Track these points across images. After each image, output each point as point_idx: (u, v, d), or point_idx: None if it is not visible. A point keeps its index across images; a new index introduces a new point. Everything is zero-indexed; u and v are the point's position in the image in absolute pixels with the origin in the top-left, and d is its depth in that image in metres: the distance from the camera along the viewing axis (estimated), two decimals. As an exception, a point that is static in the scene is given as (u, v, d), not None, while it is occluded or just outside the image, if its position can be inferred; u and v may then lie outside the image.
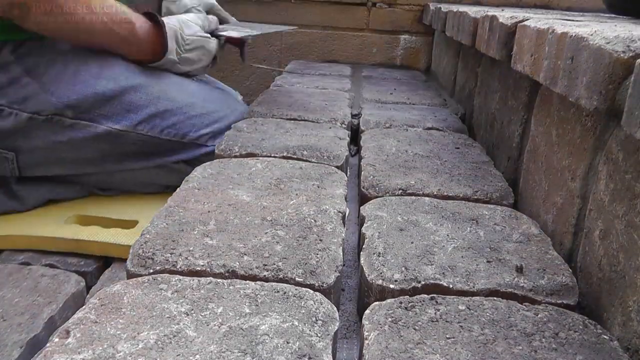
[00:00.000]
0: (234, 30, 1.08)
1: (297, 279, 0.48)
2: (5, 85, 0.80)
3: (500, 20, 0.78)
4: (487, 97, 0.98)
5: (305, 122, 0.97)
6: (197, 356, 0.37)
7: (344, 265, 0.56)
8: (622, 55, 0.43)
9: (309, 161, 0.77)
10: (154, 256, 0.50)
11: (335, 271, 0.49)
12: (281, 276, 0.48)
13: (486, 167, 0.78)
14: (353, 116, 1.09)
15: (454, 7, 1.29)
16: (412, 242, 0.55)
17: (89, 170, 0.88)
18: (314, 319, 0.42)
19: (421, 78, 1.60)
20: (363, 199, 0.69)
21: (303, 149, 0.80)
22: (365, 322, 0.42)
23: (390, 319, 0.42)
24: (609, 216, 0.48)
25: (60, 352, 0.37)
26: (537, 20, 0.68)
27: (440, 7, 1.43)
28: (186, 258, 0.49)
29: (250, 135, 0.86)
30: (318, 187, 0.67)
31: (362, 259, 0.52)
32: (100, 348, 0.38)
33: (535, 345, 0.40)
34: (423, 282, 0.48)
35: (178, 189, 0.65)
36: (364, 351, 0.40)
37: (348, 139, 0.89)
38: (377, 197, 0.67)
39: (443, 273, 0.49)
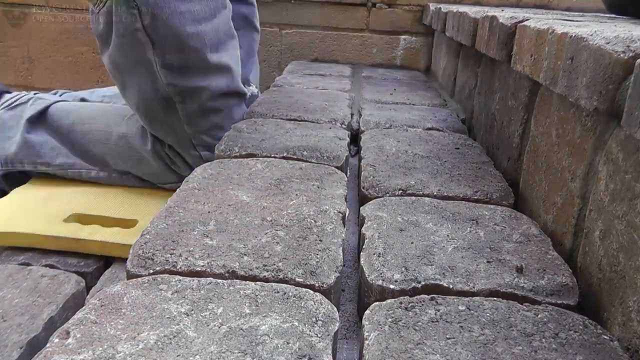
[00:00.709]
0: None
1: (297, 279, 0.48)
2: None
3: (500, 20, 0.78)
4: (487, 97, 0.98)
5: (305, 123, 0.97)
6: (197, 356, 0.37)
7: (344, 265, 0.56)
8: (622, 55, 0.43)
9: (309, 161, 0.77)
10: (154, 257, 0.49)
11: (335, 271, 0.49)
12: (281, 276, 0.48)
13: (486, 168, 0.78)
14: (353, 116, 1.09)
15: (454, 8, 1.29)
16: (412, 243, 0.54)
17: None
18: (314, 319, 0.42)
19: (421, 78, 1.60)
20: (363, 199, 0.69)
21: (303, 150, 0.80)
22: (365, 322, 0.42)
23: (390, 320, 0.42)
24: (609, 216, 0.48)
25: (60, 353, 0.37)
26: (537, 20, 0.68)
27: (440, 8, 1.43)
28: (186, 258, 0.49)
29: (250, 136, 0.86)
30: (318, 187, 0.67)
31: (362, 259, 0.52)
32: (100, 348, 0.38)
33: (536, 345, 0.40)
34: (423, 283, 0.48)
35: (178, 189, 0.65)
36: (364, 351, 0.40)
37: (348, 139, 0.89)
38: (377, 197, 0.67)
39: (443, 273, 0.49)
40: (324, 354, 0.38)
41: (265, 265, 0.49)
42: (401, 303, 0.44)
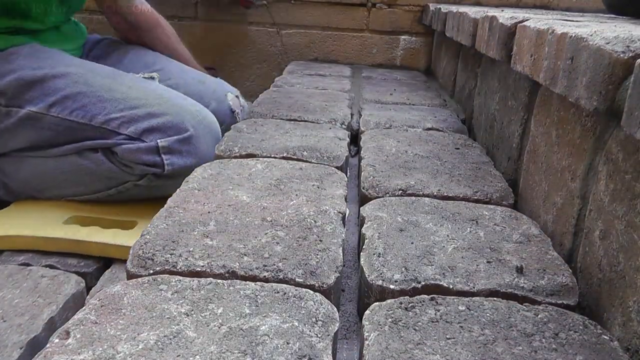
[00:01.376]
0: None
1: (297, 279, 0.48)
2: None
3: (500, 20, 0.78)
4: (487, 97, 0.98)
5: (305, 123, 0.97)
6: (197, 357, 0.37)
7: (344, 265, 0.56)
8: (621, 55, 0.43)
9: (309, 162, 0.77)
10: (154, 257, 0.49)
11: (335, 272, 0.49)
12: (281, 277, 0.48)
13: (486, 168, 0.78)
14: (353, 116, 1.09)
15: (454, 8, 1.30)
16: (412, 243, 0.54)
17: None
18: (314, 319, 0.42)
19: (421, 78, 1.60)
20: (363, 199, 0.69)
21: (303, 150, 0.80)
22: (365, 322, 0.42)
23: (390, 320, 0.42)
24: (609, 216, 0.48)
25: (60, 353, 0.37)
26: (536, 20, 0.68)
27: (440, 8, 1.43)
28: (186, 259, 0.49)
29: (250, 136, 0.86)
30: (318, 187, 0.67)
31: (362, 259, 0.52)
32: (100, 349, 0.38)
33: (536, 345, 0.40)
34: (423, 283, 0.48)
35: (178, 189, 0.65)
36: (364, 351, 0.40)
37: (348, 139, 0.89)
38: (377, 197, 0.67)
39: (443, 273, 0.49)
40: (324, 354, 0.38)
41: (265, 266, 0.49)
42: (401, 303, 0.44)
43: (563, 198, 0.59)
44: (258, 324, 0.41)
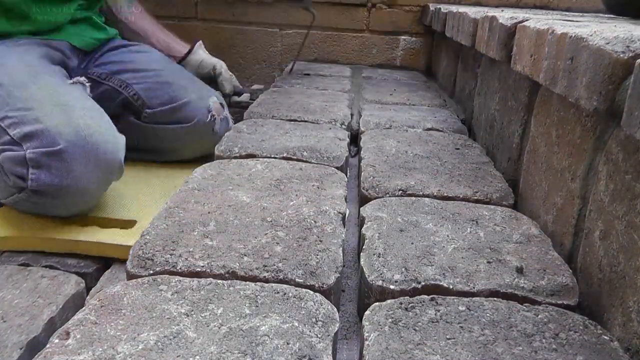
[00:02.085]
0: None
1: (297, 279, 0.48)
2: None
3: (500, 20, 0.78)
4: (487, 97, 0.98)
5: (305, 123, 0.97)
6: (197, 357, 0.37)
7: (344, 266, 0.56)
8: (621, 55, 0.43)
9: (309, 162, 0.77)
10: (154, 257, 0.49)
11: (335, 272, 0.49)
12: (281, 277, 0.48)
13: (486, 168, 0.78)
14: (352, 117, 1.09)
15: (454, 8, 1.30)
16: (412, 243, 0.54)
17: None
18: (314, 319, 0.42)
19: (421, 79, 1.60)
20: (363, 199, 0.69)
21: (303, 150, 0.80)
22: (365, 322, 0.42)
23: (390, 320, 0.42)
24: (609, 217, 0.48)
25: (60, 353, 0.37)
26: (536, 20, 0.68)
27: (440, 8, 1.43)
28: (186, 259, 0.49)
29: (250, 137, 0.86)
30: (318, 188, 0.67)
31: (362, 259, 0.52)
32: (100, 349, 0.38)
33: (536, 345, 0.40)
34: (423, 283, 0.48)
35: (178, 189, 0.65)
36: (364, 352, 0.40)
37: (348, 139, 0.89)
38: (377, 198, 0.67)
39: (443, 274, 0.49)
40: (324, 354, 0.38)
41: (265, 266, 0.49)
42: (401, 303, 0.44)
43: (563, 198, 0.59)
44: (258, 324, 0.41)
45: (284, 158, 0.78)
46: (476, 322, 0.42)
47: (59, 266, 0.73)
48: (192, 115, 0.94)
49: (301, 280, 0.47)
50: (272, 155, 0.78)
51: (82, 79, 0.92)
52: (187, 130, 0.96)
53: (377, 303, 0.45)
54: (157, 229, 0.54)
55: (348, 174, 0.82)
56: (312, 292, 0.45)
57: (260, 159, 0.76)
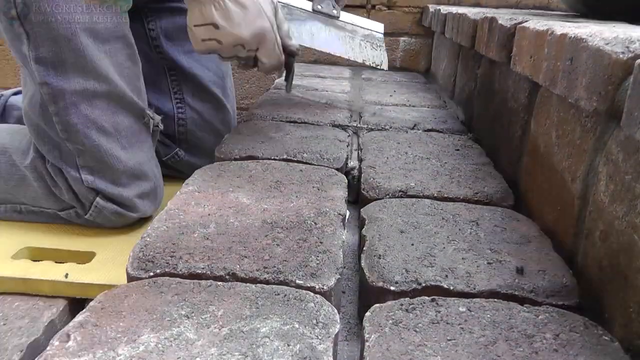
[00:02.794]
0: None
1: (297, 281, 0.48)
2: None
3: (500, 21, 0.78)
4: (487, 98, 0.98)
5: (306, 125, 0.97)
6: (198, 359, 0.37)
7: (344, 267, 0.56)
8: (621, 56, 0.43)
9: (309, 163, 0.77)
10: (154, 259, 0.49)
11: (336, 273, 0.49)
12: (282, 279, 0.48)
13: (486, 169, 0.78)
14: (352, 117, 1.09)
15: (454, 9, 1.30)
16: (412, 244, 0.54)
17: None
18: (314, 321, 0.42)
19: (421, 80, 1.60)
20: (363, 200, 0.69)
21: (303, 152, 0.80)
22: (366, 324, 0.42)
23: (391, 321, 0.42)
24: (609, 217, 0.48)
25: (61, 356, 0.37)
26: (536, 21, 0.68)
27: (439, 9, 1.43)
28: (186, 261, 0.49)
29: (250, 138, 0.86)
30: (318, 189, 0.67)
31: (362, 261, 0.52)
32: (101, 351, 0.38)
33: (536, 346, 0.40)
34: (424, 284, 0.48)
35: (178, 192, 0.65)
36: (364, 353, 0.40)
37: (348, 141, 0.89)
38: (377, 199, 0.67)
39: (444, 275, 0.49)
40: (325, 356, 0.38)
41: (266, 268, 0.49)
42: (402, 305, 0.44)
43: (563, 199, 0.59)
44: (258, 325, 0.41)
45: (284, 160, 0.78)
46: (477, 323, 0.42)
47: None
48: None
49: (302, 282, 0.47)
50: (272, 157, 0.78)
51: (158, 118, 0.86)
52: None
53: (377, 304, 0.45)
54: (157, 230, 0.54)
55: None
56: (312, 294, 0.45)
57: (261, 161, 0.76)
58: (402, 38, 1.78)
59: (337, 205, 0.63)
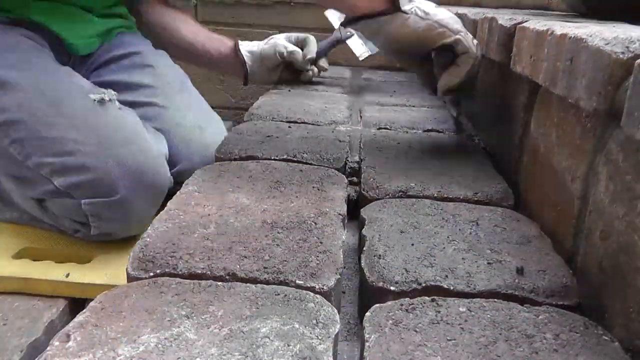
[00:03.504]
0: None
1: (297, 281, 0.48)
2: None
3: (500, 22, 0.78)
4: (487, 99, 0.98)
5: (306, 125, 0.97)
6: (198, 359, 0.37)
7: (344, 267, 0.56)
8: (621, 56, 0.43)
9: (309, 164, 0.77)
10: (154, 259, 0.49)
11: (336, 273, 0.49)
12: (282, 279, 0.48)
13: (486, 169, 0.78)
14: (352, 117, 1.09)
15: (453, 9, 1.30)
16: (412, 244, 0.54)
17: None
18: (314, 321, 0.42)
19: (421, 80, 1.60)
20: (363, 201, 0.69)
21: (303, 152, 0.80)
22: (365, 324, 0.42)
23: (391, 321, 0.42)
24: (609, 217, 0.48)
25: (61, 356, 0.37)
26: (536, 21, 0.68)
27: (439, 9, 1.43)
28: (187, 261, 0.49)
29: (250, 138, 0.86)
30: (318, 189, 0.67)
31: (362, 261, 0.52)
32: (101, 351, 0.38)
33: (536, 346, 0.40)
34: (424, 284, 0.48)
35: (178, 192, 0.65)
36: (364, 353, 0.40)
37: (348, 141, 0.89)
38: (377, 199, 0.67)
39: (444, 275, 0.49)
40: (325, 356, 0.38)
41: (266, 268, 0.49)
42: (402, 305, 0.44)
43: (563, 199, 0.59)
44: (258, 326, 0.41)
45: (284, 160, 0.78)
46: (477, 323, 0.42)
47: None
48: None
49: (302, 282, 0.47)
50: (272, 157, 0.78)
51: (111, 92, 0.82)
52: None
53: (377, 304, 0.45)
54: (157, 231, 0.54)
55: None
56: (312, 294, 0.45)
57: (260, 161, 0.76)
58: (402, 38, 1.78)
59: (337, 205, 0.63)
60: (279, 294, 0.45)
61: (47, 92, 0.76)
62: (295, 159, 0.78)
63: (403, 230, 0.57)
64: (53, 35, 0.88)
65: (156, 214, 0.57)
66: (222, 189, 0.66)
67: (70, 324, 0.41)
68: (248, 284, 0.46)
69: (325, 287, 0.47)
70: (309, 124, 0.98)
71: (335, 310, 0.44)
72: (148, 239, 0.53)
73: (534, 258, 0.53)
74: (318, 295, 0.45)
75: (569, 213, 0.57)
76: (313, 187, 0.67)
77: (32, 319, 0.57)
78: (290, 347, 0.39)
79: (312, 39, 1.25)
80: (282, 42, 1.20)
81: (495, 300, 0.46)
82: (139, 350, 0.38)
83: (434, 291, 0.47)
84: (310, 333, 0.40)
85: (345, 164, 0.80)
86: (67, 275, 0.66)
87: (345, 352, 0.48)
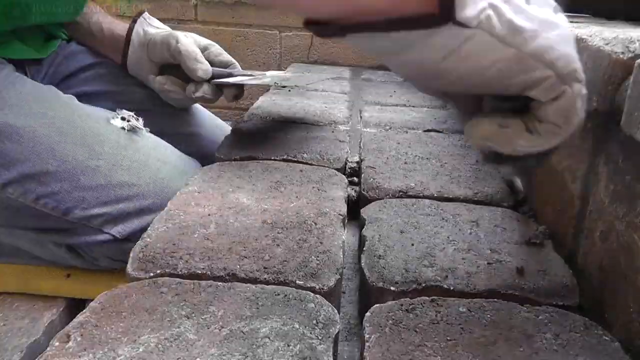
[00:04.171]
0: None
1: (297, 281, 0.48)
2: None
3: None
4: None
5: (306, 125, 0.97)
6: (198, 359, 0.37)
7: (344, 267, 0.56)
8: (621, 56, 0.43)
9: (309, 164, 0.77)
10: (154, 260, 0.50)
11: (336, 274, 0.49)
12: (282, 279, 0.48)
13: (486, 169, 0.78)
14: (349, 118, 1.09)
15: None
16: (412, 244, 0.54)
17: None
18: (314, 321, 0.42)
19: (421, 80, 1.59)
20: (363, 201, 0.69)
21: (303, 152, 0.80)
22: (366, 324, 0.42)
23: (391, 321, 0.42)
24: (609, 217, 0.48)
25: (61, 356, 0.37)
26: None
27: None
28: (187, 261, 0.49)
29: (250, 138, 0.86)
30: (318, 189, 0.67)
31: (362, 261, 0.52)
32: (101, 352, 0.38)
33: (537, 346, 0.40)
34: (424, 284, 0.48)
35: (178, 192, 0.65)
36: (365, 353, 0.40)
37: (348, 140, 0.89)
38: (377, 199, 0.67)
39: (444, 275, 0.49)
40: (325, 356, 0.38)
41: (266, 268, 0.49)
42: (402, 305, 0.44)
43: (563, 199, 0.59)
44: (259, 326, 0.41)
45: (284, 160, 0.78)
46: (477, 324, 0.42)
47: (59, 269, 0.73)
48: None
49: (302, 282, 0.47)
50: (272, 157, 0.78)
51: (124, 112, 0.72)
52: None
53: (377, 305, 0.45)
54: (157, 231, 0.54)
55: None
56: (312, 294, 0.45)
57: (261, 161, 0.76)
58: (402, 38, 1.78)
59: (337, 205, 0.63)
60: (279, 294, 0.45)
61: (71, 131, 0.66)
62: (295, 159, 0.78)
63: (403, 230, 0.57)
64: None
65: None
66: (222, 189, 0.66)
67: (70, 324, 0.41)
68: (248, 284, 0.46)
69: (325, 287, 0.47)
70: (309, 123, 0.98)
71: (335, 311, 0.44)
72: (148, 239, 0.53)
73: (534, 258, 0.53)
74: (318, 296, 0.45)
75: (569, 213, 0.57)
76: (313, 187, 0.67)
77: (32, 319, 0.57)
78: (291, 347, 0.39)
79: (218, 48, 0.93)
80: (182, 34, 0.85)
81: (495, 300, 0.46)
82: (139, 350, 0.38)
83: (434, 291, 0.47)
84: (311, 333, 0.40)
85: (345, 164, 0.80)
86: (68, 276, 0.66)
87: (345, 352, 0.48)
